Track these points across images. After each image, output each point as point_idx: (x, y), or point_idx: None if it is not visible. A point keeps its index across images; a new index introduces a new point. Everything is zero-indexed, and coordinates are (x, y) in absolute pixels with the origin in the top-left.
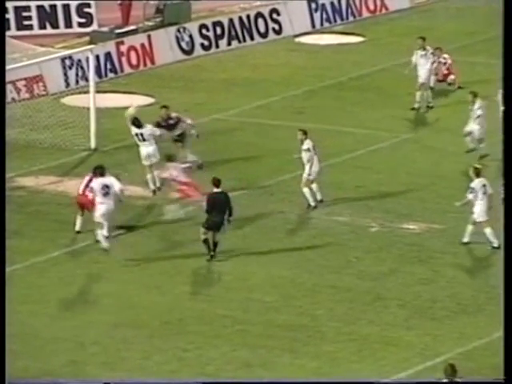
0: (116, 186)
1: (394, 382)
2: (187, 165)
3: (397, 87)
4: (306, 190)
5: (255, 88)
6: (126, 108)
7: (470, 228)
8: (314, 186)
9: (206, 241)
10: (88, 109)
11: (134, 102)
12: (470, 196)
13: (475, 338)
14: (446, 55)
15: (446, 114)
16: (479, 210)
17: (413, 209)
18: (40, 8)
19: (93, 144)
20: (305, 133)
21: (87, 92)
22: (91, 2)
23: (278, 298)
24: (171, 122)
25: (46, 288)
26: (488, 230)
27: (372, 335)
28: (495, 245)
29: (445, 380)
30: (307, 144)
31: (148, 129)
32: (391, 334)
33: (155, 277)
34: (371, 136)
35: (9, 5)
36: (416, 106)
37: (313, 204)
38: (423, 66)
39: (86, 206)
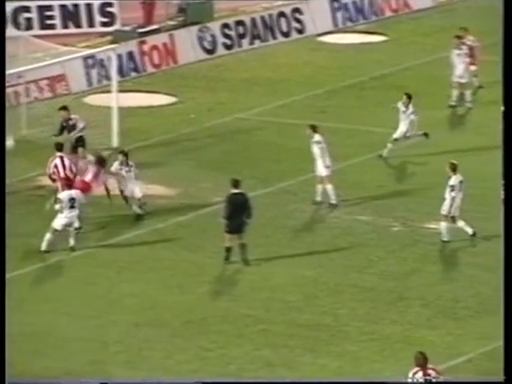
0: (82, 199)
1: (395, 382)
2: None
3: (419, 87)
4: (329, 187)
5: (277, 87)
6: (149, 107)
7: (461, 224)
8: (320, 186)
9: (228, 249)
10: (110, 108)
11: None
12: (453, 194)
13: (497, 337)
14: (471, 37)
15: (468, 114)
16: (450, 205)
17: (434, 208)
18: (63, 7)
19: (115, 143)
20: (312, 127)
21: (109, 91)
22: (114, 2)
23: (300, 297)
24: (71, 123)
25: (68, 287)
26: (444, 224)
27: (394, 335)
28: (445, 239)
29: (417, 369)
30: (317, 137)
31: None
32: (414, 334)
33: (177, 276)
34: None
35: (32, 4)
36: (453, 103)
37: (334, 202)
38: (458, 64)
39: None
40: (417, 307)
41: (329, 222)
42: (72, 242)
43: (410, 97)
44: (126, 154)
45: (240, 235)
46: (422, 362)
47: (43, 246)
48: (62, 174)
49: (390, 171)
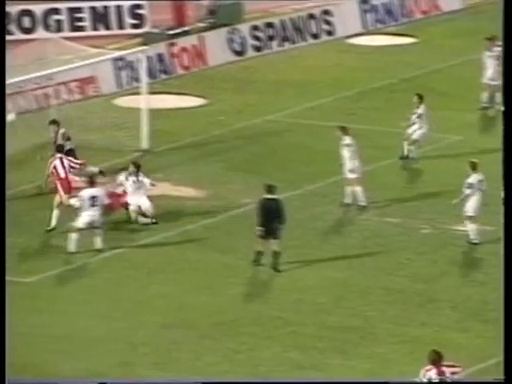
0: (105, 200)
1: (399, 382)
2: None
3: (449, 89)
4: (358, 189)
5: (306, 89)
6: (179, 109)
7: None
8: (349, 188)
9: (259, 253)
10: (140, 110)
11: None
12: (468, 191)
13: None
14: (499, 42)
15: (498, 115)
16: (472, 206)
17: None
18: (93, 9)
19: (144, 145)
20: (343, 128)
21: (139, 93)
22: (144, 3)
23: (329, 299)
24: (59, 137)
25: (97, 289)
26: (471, 226)
27: (424, 337)
28: (475, 241)
29: (430, 367)
30: (348, 139)
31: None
32: (443, 336)
33: (207, 278)
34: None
35: (61, 6)
36: (483, 105)
37: (364, 204)
38: (490, 66)
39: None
40: (446, 309)
41: (358, 224)
42: (99, 243)
43: (421, 97)
44: (137, 166)
45: (274, 241)
46: (436, 359)
47: (71, 247)
48: (62, 175)
49: (419, 173)
